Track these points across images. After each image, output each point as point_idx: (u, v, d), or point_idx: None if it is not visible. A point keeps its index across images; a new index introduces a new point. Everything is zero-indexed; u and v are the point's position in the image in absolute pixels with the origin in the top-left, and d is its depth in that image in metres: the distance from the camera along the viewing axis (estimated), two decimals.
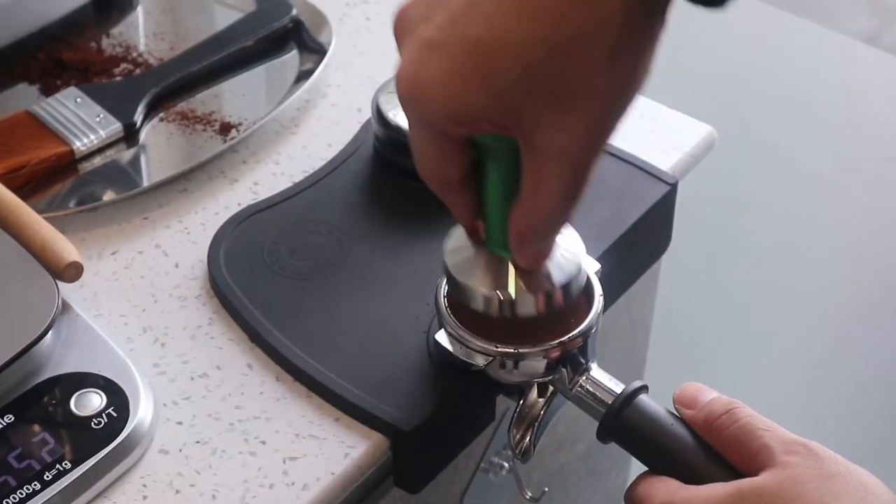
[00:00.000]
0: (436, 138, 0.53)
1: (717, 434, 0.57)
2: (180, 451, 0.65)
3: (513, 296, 0.60)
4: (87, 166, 0.80)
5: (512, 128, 0.51)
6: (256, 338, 0.70)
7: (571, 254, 0.61)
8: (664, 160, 0.80)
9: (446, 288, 0.64)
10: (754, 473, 0.55)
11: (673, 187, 0.78)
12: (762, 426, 0.57)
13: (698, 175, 0.85)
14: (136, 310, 0.72)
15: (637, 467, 0.60)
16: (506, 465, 0.83)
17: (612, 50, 0.48)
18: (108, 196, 0.78)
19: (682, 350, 1.45)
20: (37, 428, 0.64)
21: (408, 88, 0.51)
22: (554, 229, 0.57)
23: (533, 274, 0.60)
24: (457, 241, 0.62)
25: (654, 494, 0.57)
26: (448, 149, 0.54)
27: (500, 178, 0.56)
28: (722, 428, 0.57)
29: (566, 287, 0.60)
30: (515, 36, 0.48)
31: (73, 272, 0.70)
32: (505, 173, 0.56)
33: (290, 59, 0.87)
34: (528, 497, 0.79)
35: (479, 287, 0.60)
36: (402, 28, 0.52)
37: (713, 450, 0.58)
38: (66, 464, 0.63)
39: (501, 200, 0.57)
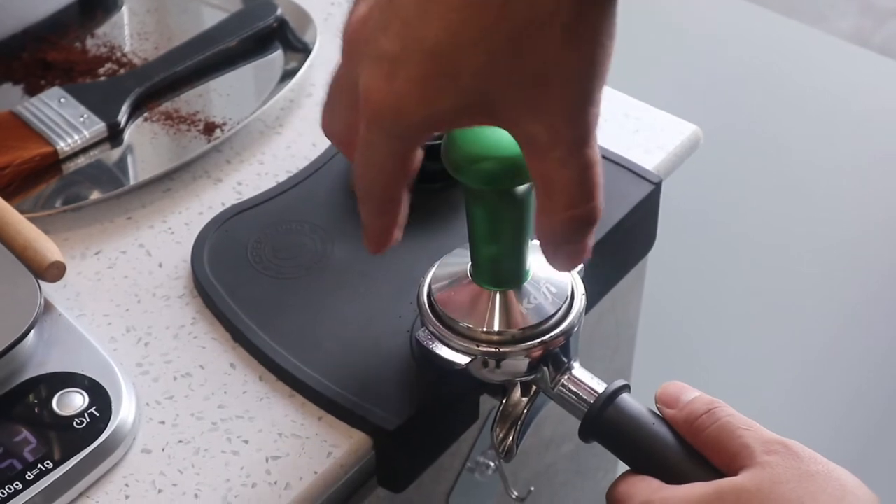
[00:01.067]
0: (397, 152, 0.53)
1: (698, 433, 0.58)
2: (163, 450, 0.65)
3: (496, 329, 0.61)
4: (71, 166, 0.79)
5: (493, 119, 0.51)
6: (240, 337, 0.70)
7: (557, 286, 0.63)
8: (648, 159, 0.81)
9: (429, 286, 0.64)
10: (734, 473, 0.56)
11: (657, 186, 0.78)
12: (742, 425, 0.57)
13: (683, 174, 0.85)
14: (120, 309, 0.72)
15: (624, 468, 0.60)
16: (491, 464, 0.83)
17: (568, 25, 0.48)
18: (92, 196, 0.78)
19: (669, 350, 1.45)
20: (19, 428, 0.64)
21: (379, 106, 0.51)
22: (581, 227, 0.54)
23: (518, 309, 0.61)
24: (444, 272, 0.64)
25: (634, 494, 0.57)
26: (406, 162, 0.54)
27: (486, 219, 0.58)
28: (702, 427, 0.57)
29: (552, 322, 0.62)
30: (471, 29, 0.48)
31: (55, 272, 0.69)
32: (490, 214, 0.58)
33: (275, 59, 0.87)
34: (514, 497, 0.79)
35: (464, 321, 0.62)
36: (357, 43, 0.52)
37: (694, 450, 0.58)
38: (48, 463, 0.63)
39: (487, 239, 0.59)
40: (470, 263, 0.63)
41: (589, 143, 0.52)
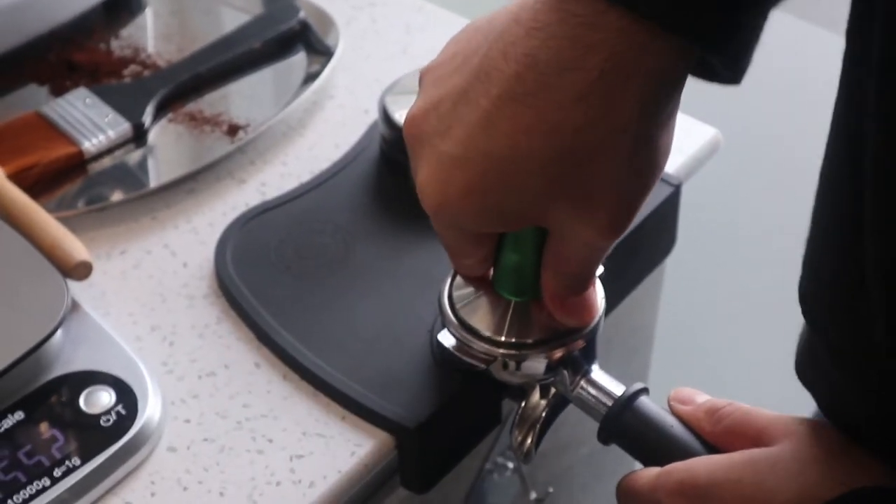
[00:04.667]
0: (464, 234, 0.56)
1: (720, 422, 0.57)
2: (188, 448, 0.66)
3: (514, 340, 0.62)
4: (96, 167, 0.80)
5: (539, 223, 0.53)
6: (263, 337, 0.70)
7: None
8: (668, 162, 0.81)
9: (449, 289, 0.65)
10: (764, 447, 0.54)
11: (676, 189, 0.78)
12: (766, 411, 0.57)
13: (703, 178, 0.86)
14: (145, 309, 0.73)
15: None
16: (510, 465, 0.83)
17: (632, 149, 0.49)
18: (117, 196, 0.79)
19: (686, 353, 1.45)
20: (46, 425, 0.65)
21: (436, 201, 0.53)
22: (585, 285, 0.58)
23: (535, 319, 0.62)
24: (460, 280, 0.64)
25: (646, 473, 0.57)
26: (476, 239, 0.57)
27: (513, 237, 0.59)
28: (725, 415, 0.57)
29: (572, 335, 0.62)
30: (538, 153, 0.49)
31: (82, 271, 0.70)
32: (517, 234, 0.58)
33: (298, 61, 0.88)
34: (532, 498, 0.80)
35: (483, 329, 0.62)
36: (416, 139, 0.53)
37: (715, 450, 0.58)
38: (75, 461, 0.63)
39: (510, 248, 0.59)
40: (491, 271, 0.63)
41: (608, 250, 0.54)
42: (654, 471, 0.57)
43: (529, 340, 0.62)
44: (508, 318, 0.62)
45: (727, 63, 0.48)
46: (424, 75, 0.54)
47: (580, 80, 0.47)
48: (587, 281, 0.58)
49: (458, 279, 0.64)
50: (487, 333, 0.62)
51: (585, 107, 0.48)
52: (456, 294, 0.64)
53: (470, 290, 0.63)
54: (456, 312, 0.64)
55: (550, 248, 0.55)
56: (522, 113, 0.48)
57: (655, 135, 0.50)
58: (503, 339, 0.62)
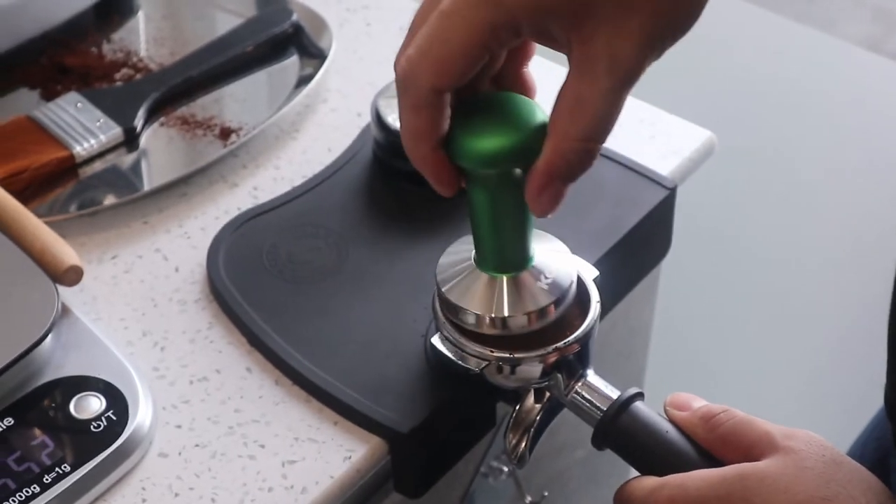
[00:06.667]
0: (429, 105, 0.53)
1: (714, 429, 0.57)
2: (179, 454, 0.65)
3: (505, 315, 0.61)
4: (87, 171, 0.80)
5: (573, 30, 0.51)
6: (255, 341, 0.70)
7: (562, 270, 0.62)
8: (663, 165, 0.81)
9: (438, 287, 0.64)
10: (754, 461, 0.54)
11: (672, 192, 0.78)
12: (760, 420, 0.56)
13: (698, 181, 0.85)
14: (136, 314, 0.72)
15: (636, 475, 0.60)
16: (505, 469, 0.83)
17: None
18: (109, 200, 0.78)
19: (682, 357, 1.45)
20: (36, 431, 0.64)
21: None
22: (582, 163, 0.55)
23: (524, 293, 0.61)
24: (450, 260, 0.63)
25: (645, 484, 0.56)
26: (438, 113, 0.54)
27: (490, 205, 0.58)
28: (719, 423, 0.57)
29: (558, 303, 0.61)
30: None
31: (72, 276, 0.70)
32: (494, 201, 0.58)
33: (291, 65, 0.88)
34: (527, 502, 0.79)
35: (472, 308, 0.61)
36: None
37: (710, 457, 0.58)
38: (65, 467, 0.63)
39: (491, 225, 0.59)
40: (474, 252, 0.62)
41: (629, 88, 0.52)
42: (650, 482, 0.56)
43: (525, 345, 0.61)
44: (495, 294, 0.61)
45: None
46: None
47: None
48: (594, 151, 0.55)
49: (443, 260, 0.63)
50: (479, 335, 0.62)
51: None
52: (440, 277, 0.63)
53: (455, 270, 0.62)
54: (449, 317, 0.63)
55: (567, 93, 0.53)
56: None
57: None
58: (493, 326, 0.61)
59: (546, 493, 0.82)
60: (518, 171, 0.57)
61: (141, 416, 0.65)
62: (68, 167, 0.79)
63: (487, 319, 0.61)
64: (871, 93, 1.71)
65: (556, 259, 0.62)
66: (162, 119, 0.83)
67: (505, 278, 0.61)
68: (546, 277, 0.61)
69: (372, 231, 0.75)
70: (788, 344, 1.52)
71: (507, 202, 0.58)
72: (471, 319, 0.61)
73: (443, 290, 0.62)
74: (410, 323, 0.69)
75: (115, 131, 0.81)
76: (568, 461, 0.93)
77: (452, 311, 0.62)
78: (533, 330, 0.61)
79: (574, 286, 0.62)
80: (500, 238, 0.60)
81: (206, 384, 0.69)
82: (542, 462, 0.89)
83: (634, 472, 0.60)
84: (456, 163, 0.57)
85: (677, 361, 1.39)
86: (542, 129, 0.55)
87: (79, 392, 0.66)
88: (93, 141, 0.80)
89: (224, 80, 0.86)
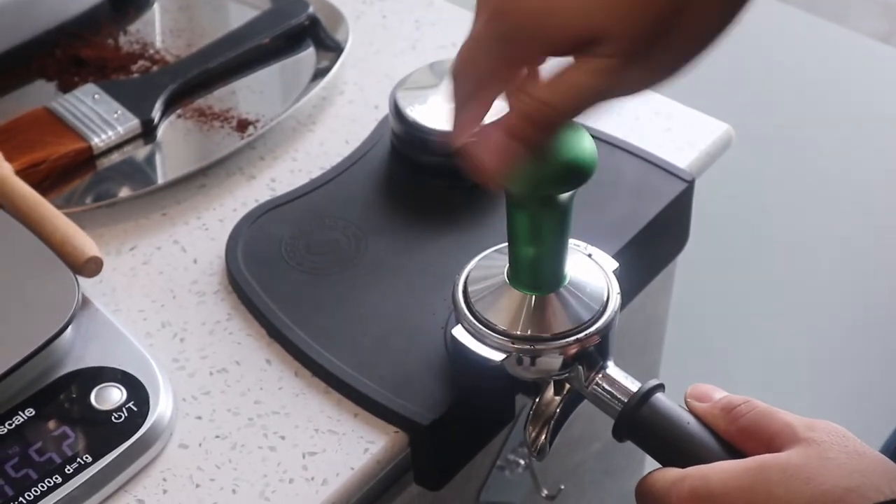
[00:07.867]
0: (527, 51, 0.51)
1: (735, 420, 0.57)
2: (200, 445, 0.65)
3: (530, 333, 0.62)
4: (105, 162, 0.80)
5: (632, 46, 0.50)
6: (275, 333, 0.70)
7: (596, 289, 0.63)
8: (681, 158, 0.81)
9: (464, 284, 0.64)
10: (776, 452, 0.54)
11: (690, 185, 0.78)
12: (782, 412, 0.56)
13: (715, 173, 0.85)
14: (155, 305, 0.72)
15: (652, 467, 0.60)
16: (522, 462, 0.83)
17: None
18: (127, 192, 0.78)
19: (698, 348, 1.44)
20: (57, 422, 0.64)
21: None
22: (540, 127, 0.52)
23: (550, 313, 0.61)
24: (481, 273, 0.64)
25: (667, 475, 0.56)
26: (506, 66, 0.52)
27: (527, 224, 0.59)
28: (740, 414, 0.57)
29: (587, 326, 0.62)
30: None
31: (92, 267, 0.70)
32: (534, 222, 0.58)
33: (307, 57, 0.88)
34: (543, 495, 0.79)
35: (500, 324, 0.62)
36: None
37: (731, 448, 0.57)
38: (86, 457, 0.63)
39: (527, 243, 0.59)
40: (507, 265, 0.63)
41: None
42: (672, 474, 0.56)
43: (545, 335, 0.62)
44: (524, 313, 0.62)
45: None
46: None
47: None
48: (549, 117, 0.52)
49: (474, 273, 0.64)
50: (502, 328, 0.62)
51: None
52: (471, 289, 0.63)
53: (485, 284, 0.63)
54: (471, 307, 0.63)
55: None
56: None
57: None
58: (518, 333, 0.62)
59: (562, 487, 0.82)
60: (562, 195, 0.57)
61: (162, 407, 0.65)
62: (86, 158, 0.79)
63: (514, 338, 0.62)
64: (886, 84, 1.70)
65: (589, 276, 0.63)
66: (179, 111, 0.83)
67: (535, 298, 0.61)
68: (573, 298, 0.62)
69: (390, 223, 0.75)
70: (805, 336, 1.51)
71: (547, 225, 0.58)
72: (497, 329, 0.62)
73: (472, 302, 0.63)
74: (430, 315, 0.69)
75: (133, 123, 0.81)
76: (584, 454, 0.93)
77: (479, 320, 0.62)
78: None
79: (605, 301, 0.63)
80: (536, 258, 0.60)
81: (225, 375, 0.69)
82: (558, 455, 0.89)
83: (650, 466, 0.60)
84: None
85: (692, 353, 1.38)
86: (591, 155, 0.55)
87: (99, 383, 0.66)
88: (110, 132, 0.80)
89: (241, 73, 0.86)
